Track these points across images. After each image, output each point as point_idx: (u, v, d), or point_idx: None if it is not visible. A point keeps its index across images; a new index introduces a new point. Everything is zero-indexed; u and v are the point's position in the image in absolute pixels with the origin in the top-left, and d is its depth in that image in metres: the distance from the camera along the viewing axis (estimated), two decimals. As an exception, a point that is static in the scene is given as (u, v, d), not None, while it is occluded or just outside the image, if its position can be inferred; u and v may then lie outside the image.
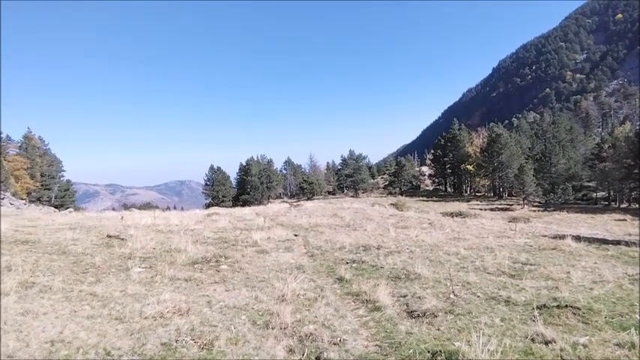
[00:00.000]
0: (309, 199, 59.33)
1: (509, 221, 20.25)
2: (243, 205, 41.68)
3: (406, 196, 55.96)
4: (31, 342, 3.42)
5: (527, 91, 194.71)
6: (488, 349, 3.52)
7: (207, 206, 53.39)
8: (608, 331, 4.17)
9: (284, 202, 52.12)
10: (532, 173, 45.67)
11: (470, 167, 58.48)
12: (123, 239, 8.79)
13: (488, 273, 7.06)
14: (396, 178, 65.19)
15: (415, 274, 6.70)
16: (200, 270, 6.78)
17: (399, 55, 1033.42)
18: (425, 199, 55.16)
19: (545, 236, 12.56)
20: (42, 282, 5.18)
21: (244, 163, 64.71)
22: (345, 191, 67.33)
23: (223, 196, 61.69)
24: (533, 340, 3.90)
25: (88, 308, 4.45)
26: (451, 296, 5.48)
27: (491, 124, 77.74)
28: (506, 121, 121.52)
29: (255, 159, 66.82)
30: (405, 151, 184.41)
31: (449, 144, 62.78)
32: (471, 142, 62.13)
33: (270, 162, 68.65)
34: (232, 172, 67.02)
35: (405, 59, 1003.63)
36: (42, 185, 45.93)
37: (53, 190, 48.04)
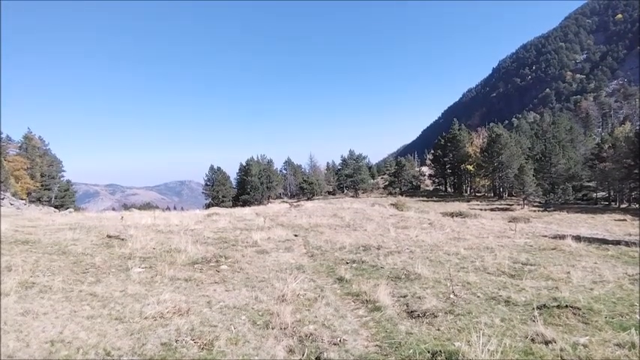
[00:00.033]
0: (309, 199, 59.33)
1: (510, 221, 20.24)
2: (243, 206, 41.68)
3: (406, 196, 55.97)
4: (31, 342, 3.42)
5: (527, 91, 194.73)
6: (489, 349, 3.52)
7: (207, 206, 53.39)
8: (609, 331, 4.17)
9: (284, 202, 52.10)
10: (532, 173, 45.68)
11: (470, 167, 58.48)
12: (123, 239, 8.79)
13: (488, 273, 7.06)
14: (396, 178, 65.20)
15: (415, 274, 6.70)
16: (200, 270, 6.78)
17: (399, 55, 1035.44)
18: (425, 199, 55.15)
19: (546, 236, 12.56)
20: (42, 282, 5.17)
21: (244, 164, 64.72)
22: (345, 191, 67.32)
23: (223, 197, 61.69)
24: (533, 340, 3.90)
25: (88, 308, 4.45)
26: (451, 296, 5.48)
27: (491, 124, 77.74)
28: (506, 122, 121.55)
29: (255, 159, 66.82)
30: (405, 151, 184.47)
31: (449, 144, 62.77)
32: (471, 143, 62.12)
33: (270, 162, 68.65)
34: (232, 173, 67.15)
35: (405, 59, 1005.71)
36: (42, 185, 45.94)
37: (53, 191, 48.05)
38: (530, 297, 5.47)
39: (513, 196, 52.62)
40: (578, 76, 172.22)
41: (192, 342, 3.72)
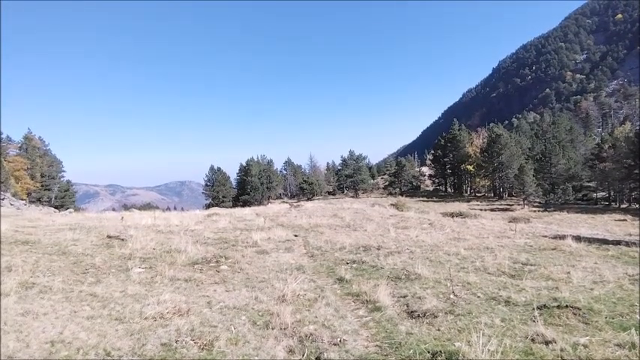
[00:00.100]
0: (309, 199, 59.34)
1: (510, 221, 20.24)
2: (243, 206, 41.66)
3: (406, 196, 55.97)
4: (31, 342, 3.42)
5: (527, 91, 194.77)
6: (489, 350, 3.52)
7: (208, 207, 53.43)
8: (609, 331, 4.16)
9: (284, 202, 52.12)
10: (532, 173, 45.69)
11: (470, 167, 58.49)
12: (123, 240, 8.79)
13: (488, 273, 7.06)
14: (396, 178, 65.20)
15: (415, 275, 6.69)
16: (200, 270, 6.78)
17: (399, 55, 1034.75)
18: (425, 199, 55.16)
19: (546, 236, 12.55)
20: (42, 282, 5.18)
21: (244, 164, 64.73)
22: (345, 192, 67.33)
23: (223, 197, 61.71)
24: (533, 340, 3.90)
25: (88, 309, 4.45)
26: (451, 296, 5.48)
27: (491, 124, 77.68)
28: (506, 122, 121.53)
29: (256, 159, 66.84)
30: (405, 151, 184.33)
31: (449, 144, 62.79)
32: (471, 143, 62.14)
33: (270, 162, 68.69)
34: (232, 173, 67.20)
35: (405, 59, 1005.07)
36: (42, 186, 45.95)
37: (53, 191, 48.07)
38: (530, 297, 5.47)
39: (513, 196, 52.62)
40: (578, 76, 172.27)
41: (192, 342, 3.72)
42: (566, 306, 4.87)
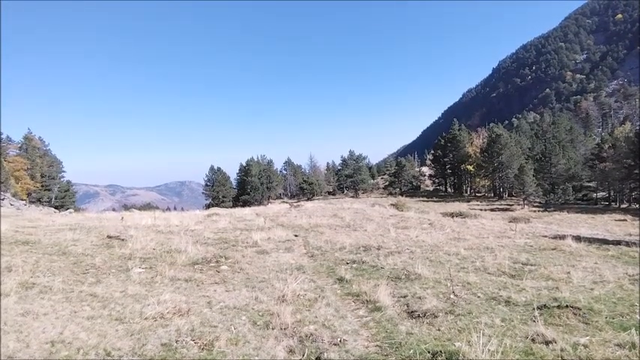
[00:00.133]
0: (309, 199, 59.34)
1: (510, 221, 20.24)
2: (243, 206, 41.66)
3: (406, 196, 55.96)
4: (31, 343, 3.42)
5: (527, 91, 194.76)
6: (489, 350, 3.52)
7: (208, 207, 53.44)
8: (609, 331, 4.16)
9: (284, 202, 52.12)
10: (532, 173, 45.68)
11: (470, 167, 58.49)
12: (123, 240, 8.79)
13: (488, 273, 7.06)
14: (396, 178, 65.19)
15: (415, 275, 6.69)
16: (200, 270, 6.78)
17: (399, 55, 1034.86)
18: (425, 199, 55.15)
19: (546, 236, 12.55)
20: (42, 283, 5.18)
21: (244, 164, 64.72)
22: (345, 192, 67.33)
23: (223, 197, 61.70)
24: (533, 340, 3.90)
25: (88, 309, 4.45)
26: (451, 296, 5.48)
27: (491, 124, 77.69)
28: (506, 122, 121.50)
29: (256, 159, 66.83)
30: (405, 151, 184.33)
31: (449, 144, 62.79)
32: (471, 143, 62.13)
33: (270, 162, 68.67)
34: (232, 173, 67.16)
35: (405, 59, 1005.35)
36: (42, 186, 45.94)
37: (53, 191, 48.06)
38: (530, 297, 5.47)
39: (513, 196, 52.61)
40: (578, 76, 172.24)
41: (192, 342, 3.72)
42: (567, 306, 4.87)
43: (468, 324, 4.41)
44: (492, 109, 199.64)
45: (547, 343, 3.81)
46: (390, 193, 62.10)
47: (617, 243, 10.85)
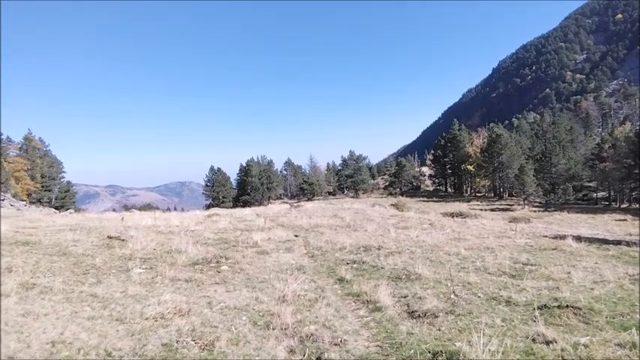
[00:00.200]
0: (309, 199, 59.33)
1: (510, 221, 20.22)
2: (243, 206, 41.66)
3: (406, 196, 55.92)
4: (31, 343, 3.42)
5: (527, 91, 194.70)
6: (489, 350, 3.52)
7: (208, 207, 53.42)
8: (609, 331, 4.16)
9: (284, 202, 52.10)
10: (532, 173, 45.65)
11: (470, 167, 58.44)
12: (123, 240, 8.79)
13: (488, 273, 7.06)
14: (396, 178, 65.16)
15: (416, 275, 6.69)
16: (201, 271, 6.78)
17: (399, 55, 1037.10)
18: (425, 199, 55.13)
19: (546, 236, 12.55)
20: (43, 283, 5.18)
21: (244, 164, 64.69)
22: (346, 192, 67.31)
23: (223, 197, 61.67)
24: (534, 340, 3.90)
25: (89, 309, 4.45)
26: (452, 296, 5.48)
27: (492, 124, 77.65)
28: (507, 122, 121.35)
29: (256, 160, 66.84)
30: (405, 151, 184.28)
31: (449, 144, 62.77)
32: (471, 143, 62.10)
33: (270, 163, 68.65)
34: (232, 173, 67.09)
35: (405, 59, 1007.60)
36: (42, 186, 45.93)
37: (53, 192, 48.04)
38: (530, 297, 5.47)
39: (514, 196, 52.57)
40: (578, 76, 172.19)
41: (193, 343, 3.73)
42: (567, 306, 4.87)
43: (469, 324, 4.41)
44: (492, 109, 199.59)
45: (547, 343, 3.81)
46: (390, 194, 62.07)
47: (618, 243, 10.85)
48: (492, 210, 40.99)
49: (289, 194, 71.68)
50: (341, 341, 3.98)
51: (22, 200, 36.87)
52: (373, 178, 75.62)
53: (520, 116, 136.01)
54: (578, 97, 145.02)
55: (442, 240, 11.25)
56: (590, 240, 11.31)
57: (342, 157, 67.45)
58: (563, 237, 11.61)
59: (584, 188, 51.14)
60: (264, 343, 3.86)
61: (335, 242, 10.44)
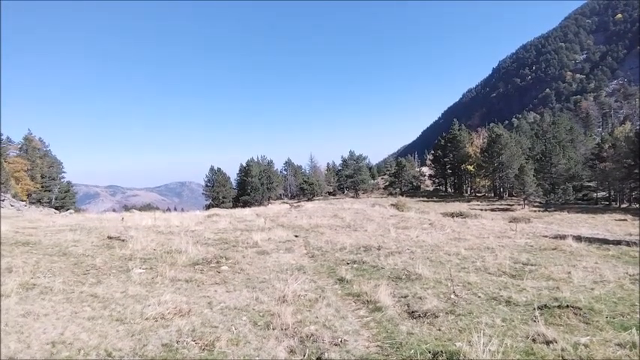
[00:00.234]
0: (309, 199, 59.32)
1: (510, 221, 20.22)
2: (243, 206, 41.64)
3: (406, 196, 55.88)
4: (32, 343, 3.42)
5: (527, 91, 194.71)
6: (490, 350, 3.52)
7: (208, 207, 53.43)
8: (610, 331, 4.16)
9: (284, 203, 52.08)
10: (532, 173, 45.63)
11: (470, 167, 58.44)
12: (123, 240, 8.79)
13: (489, 273, 7.06)
14: (396, 178, 65.14)
15: (416, 275, 6.69)
16: (201, 271, 6.78)
17: (399, 55, 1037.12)
18: (425, 199, 55.12)
19: (546, 236, 12.55)
20: (43, 283, 5.18)
21: (244, 164, 64.70)
22: (346, 192, 67.30)
23: (224, 197, 61.66)
24: (534, 340, 3.90)
25: (89, 309, 4.45)
26: (452, 296, 5.48)
27: (492, 124, 77.68)
28: (507, 122, 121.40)
29: (256, 160, 66.85)
30: (405, 151, 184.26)
31: (449, 144, 62.77)
32: (471, 143, 62.10)
33: (270, 163, 68.66)
34: (232, 174, 67.12)
35: (405, 59, 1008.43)
36: (42, 187, 45.92)
37: (54, 192, 48.03)
38: (531, 297, 5.47)
39: (514, 196, 52.56)
40: (578, 76, 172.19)
41: (193, 343, 3.73)
42: (567, 306, 4.87)
43: (469, 324, 4.41)
44: (492, 109, 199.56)
45: (548, 343, 3.81)
46: (391, 194, 62.05)
47: (618, 243, 10.85)
48: (492, 210, 40.99)
49: (289, 194, 71.66)
50: (341, 341, 3.98)
51: (22, 200, 36.87)
52: (373, 178, 75.61)
53: (520, 116, 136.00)
54: (578, 97, 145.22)
55: (442, 240, 11.25)
56: (590, 240, 11.30)
57: (342, 157, 67.51)
58: (563, 237, 11.61)
59: (584, 188, 51.13)
60: (264, 343, 3.86)
61: (335, 242, 10.44)
